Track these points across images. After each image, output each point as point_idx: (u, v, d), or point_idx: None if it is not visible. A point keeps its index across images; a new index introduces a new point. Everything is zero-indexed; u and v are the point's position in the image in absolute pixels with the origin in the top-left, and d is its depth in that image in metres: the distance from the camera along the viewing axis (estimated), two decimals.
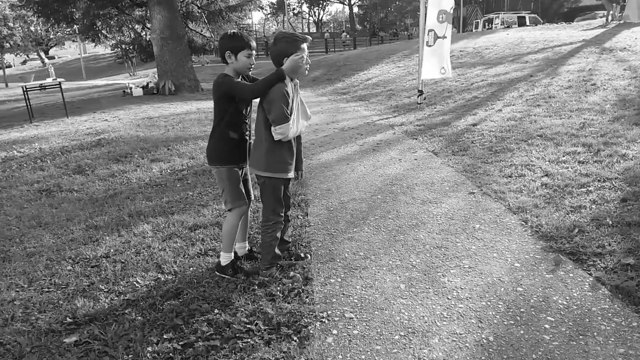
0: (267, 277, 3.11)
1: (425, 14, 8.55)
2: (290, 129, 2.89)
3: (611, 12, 19.53)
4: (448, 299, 2.83)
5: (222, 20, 17.92)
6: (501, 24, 28.73)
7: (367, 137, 7.03)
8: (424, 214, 4.12)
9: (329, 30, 71.92)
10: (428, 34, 8.57)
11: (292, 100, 2.90)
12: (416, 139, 6.74)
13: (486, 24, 30.58)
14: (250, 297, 2.91)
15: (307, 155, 6.21)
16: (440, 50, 8.65)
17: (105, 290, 3.11)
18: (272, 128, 2.88)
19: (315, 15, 75.30)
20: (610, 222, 3.66)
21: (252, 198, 3.42)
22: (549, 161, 5.15)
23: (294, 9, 74.15)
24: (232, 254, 3.21)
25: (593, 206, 3.99)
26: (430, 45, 8.58)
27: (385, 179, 5.09)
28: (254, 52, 3.05)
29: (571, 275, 3.03)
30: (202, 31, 18.78)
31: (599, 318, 2.59)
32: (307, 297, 2.89)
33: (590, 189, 4.34)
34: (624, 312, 2.62)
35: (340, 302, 2.84)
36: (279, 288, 2.97)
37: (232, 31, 3.00)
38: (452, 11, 8.71)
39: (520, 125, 6.72)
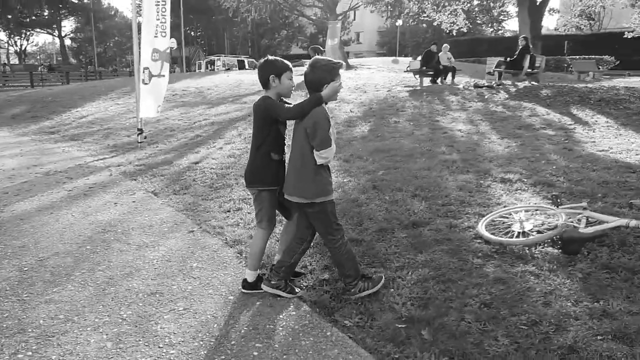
0: (365, 291, 3.20)
1: (139, 51, 8.38)
2: (333, 153, 3.02)
3: None
4: (159, 347, 2.70)
5: None
6: (222, 66, 30.47)
7: (77, 181, 6.38)
8: (140, 260, 3.90)
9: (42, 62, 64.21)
10: (143, 72, 8.41)
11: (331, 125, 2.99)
12: (135, 179, 6.44)
13: (208, 65, 31.98)
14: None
15: None
16: (157, 88, 8.57)
17: None
18: (316, 152, 2.96)
19: (16, 45, 65.85)
20: (311, 244, 4.13)
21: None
22: None
23: None
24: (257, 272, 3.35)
25: None
26: (146, 84, 8.42)
27: (98, 226, 4.67)
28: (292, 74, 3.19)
29: (279, 299, 3.27)
30: None
31: (300, 335, 2.85)
32: None
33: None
34: (320, 325, 2.95)
35: None
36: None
37: (271, 57, 3.16)
38: (168, 50, 8.76)
39: (239, 161, 7.12)
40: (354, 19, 54.30)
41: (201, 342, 2.75)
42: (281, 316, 3.05)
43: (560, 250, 3.76)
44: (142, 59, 8.37)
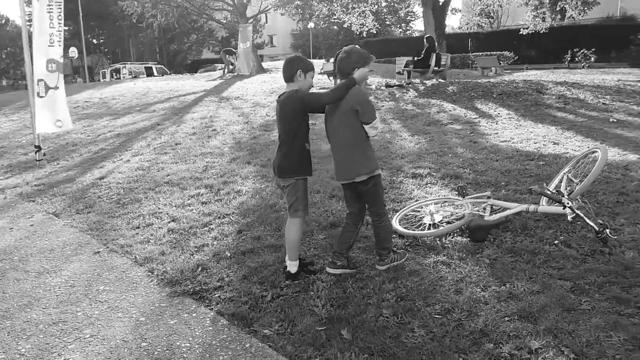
0: (394, 262, 3.49)
1: (32, 63, 7.76)
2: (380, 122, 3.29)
3: (229, 66, 22.48)
4: None
5: None
6: (129, 74, 29.16)
7: None
8: (39, 288, 3.59)
9: None
10: (38, 84, 7.79)
11: None
12: (34, 201, 5.94)
13: (114, 73, 30.46)
14: None
15: None
16: (53, 101, 7.98)
17: None
18: (370, 125, 3.24)
19: None
20: (229, 255, 4.02)
21: None
22: (175, 206, 5.34)
23: None
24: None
25: (215, 242, 4.31)
26: (41, 97, 7.81)
27: None
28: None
29: (194, 315, 3.14)
30: None
31: (218, 349, 2.74)
32: None
33: (212, 226, 4.70)
34: (239, 337, 2.86)
35: None
36: None
37: (299, 54, 3.38)
38: (66, 60, 8.19)
39: (148, 174, 6.80)
40: (266, 22, 54.14)
41: None
42: (197, 333, 2.93)
43: (468, 239, 3.94)
44: (36, 71, 7.75)
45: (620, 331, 2.62)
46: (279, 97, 3.41)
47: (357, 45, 3.48)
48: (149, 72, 30.18)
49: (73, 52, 32.04)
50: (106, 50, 50.39)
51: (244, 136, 8.96)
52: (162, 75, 28.51)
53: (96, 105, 14.37)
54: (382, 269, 3.50)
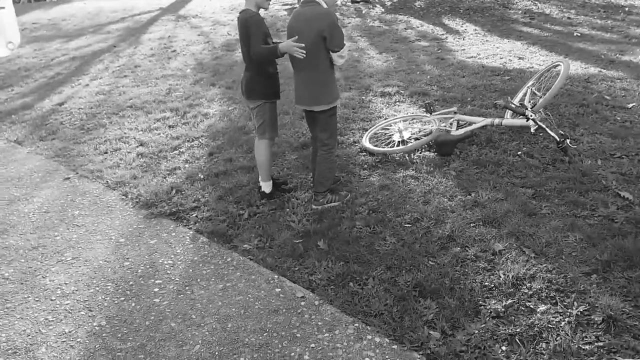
0: (331, 203, 3.34)
1: None
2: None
3: None
4: (52, 300, 2.56)
5: None
6: None
7: None
8: (13, 215, 3.56)
9: None
10: None
11: None
12: None
13: None
14: None
15: None
16: (1, 23, 7.42)
17: None
18: (337, 54, 3.06)
19: None
20: (202, 177, 4.04)
21: None
22: (141, 130, 5.24)
23: None
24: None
25: (186, 165, 4.31)
26: None
27: None
28: None
29: (174, 234, 3.21)
30: None
31: (201, 265, 2.85)
32: None
33: (182, 150, 4.67)
34: (220, 253, 2.97)
35: None
36: None
37: None
38: None
39: (109, 98, 6.57)
40: None
41: (97, 289, 2.65)
42: (179, 250, 3.02)
43: (436, 153, 4.07)
44: None
45: (576, 231, 2.85)
46: (239, 15, 3.23)
47: None
48: None
49: None
50: None
51: (206, 57, 8.66)
52: None
53: (45, 27, 13.44)
54: (317, 209, 3.35)
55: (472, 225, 3.02)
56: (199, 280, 2.70)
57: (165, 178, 4.07)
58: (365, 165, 4.00)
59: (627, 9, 11.00)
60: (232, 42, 9.53)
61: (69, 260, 2.95)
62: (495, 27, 9.73)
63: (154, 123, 5.44)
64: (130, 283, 2.68)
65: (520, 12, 11.06)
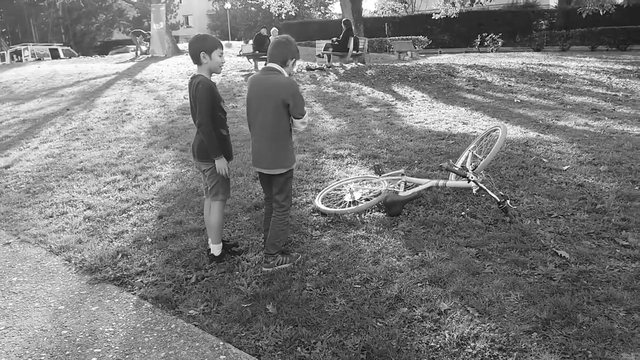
0: (282, 264, 3.35)
1: None
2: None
3: (141, 47, 21.48)
4: None
5: None
6: (32, 56, 26.94)
7: None
8: None
9: None
10: None
11: None
12: None
13: (14, 56, 27.98)
14: None
15: None
16: None
17: None
18: (300, 120, 3.19)
19: None
20: (150, 240, 3.96)
21: None
22: (90, 193, 5.13)
23: None
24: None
25: (134, 229, 4.22)
26: None
27: None
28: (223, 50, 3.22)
29: (117, 300, 3.10)
30: None
31: (143, 332, 2.74)
32: None
33: (130, 213, 4.58)
34: (163, 319, 2.87)
35: None
36: None
37: (202, 33, 3.28)
38: None
39: (59, 161, 6.45)
40: (180, 2, 52.06)
41: (30, 359, 2.49)
42: (121, 317, 2.90)
43: (385, 214, 4.17)
44: None
45: (517, 290, 2.94)
46: (190, 80, 3.30)
47: (288, 36, 3.27)
48: (55, 55, 27.98)
49: None
50: (4, 30, 46.10)
51: (161, 120, 8.71)
52: (70, 58, 26.59)
53: None
54: (267, 271, 3.32)
55: (419, 284, 3.07)
56: (140, 348, 2.58)
57: (111, 242, 3.96)
58: (317, 226, 4.04)
59: (561, 77, 11.94)
60: (188, 106, 9.64)
61: (1, 329, 2.77)
62: (441, 94, 10.31)
63: (104, 186, 5.35)
64: (67, 353, 2.54)
65: (464, 79, 11.81)
